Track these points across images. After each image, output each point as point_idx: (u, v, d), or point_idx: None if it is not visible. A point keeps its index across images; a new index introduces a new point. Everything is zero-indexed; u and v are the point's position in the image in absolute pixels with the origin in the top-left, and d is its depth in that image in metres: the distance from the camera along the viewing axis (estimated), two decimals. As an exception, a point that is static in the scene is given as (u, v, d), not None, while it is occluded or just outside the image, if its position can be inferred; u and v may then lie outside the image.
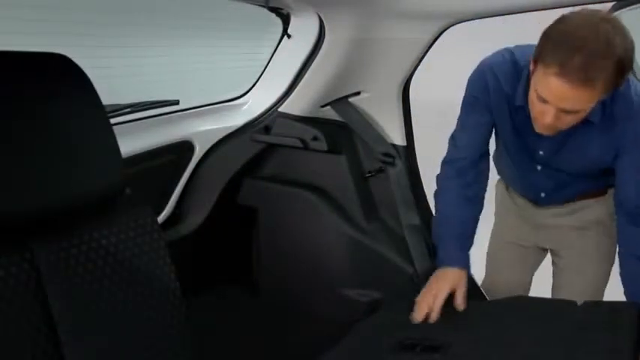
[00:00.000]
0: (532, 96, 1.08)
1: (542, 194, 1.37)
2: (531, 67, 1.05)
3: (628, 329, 0.98)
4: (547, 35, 1.02)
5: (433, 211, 1.43)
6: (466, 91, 1.28)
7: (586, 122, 1.13)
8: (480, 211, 1.32)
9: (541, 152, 1.26)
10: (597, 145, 1.18)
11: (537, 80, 1.04)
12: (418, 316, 1.14)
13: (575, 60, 0.95)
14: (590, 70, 0.96)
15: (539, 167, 1.29)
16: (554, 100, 1.02)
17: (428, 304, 1.15)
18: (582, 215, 1.36)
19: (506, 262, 1.60)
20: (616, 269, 1.44)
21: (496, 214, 1.61)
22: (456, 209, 1.30)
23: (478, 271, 1.60)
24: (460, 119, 1.31)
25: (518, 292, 1.65)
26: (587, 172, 1.27)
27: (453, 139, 1.33)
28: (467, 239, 1.30)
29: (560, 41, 0.99)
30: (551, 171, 1.29)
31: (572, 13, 1.02)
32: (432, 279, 1.21)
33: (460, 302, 1.16)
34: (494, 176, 1.49)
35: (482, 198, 1.32)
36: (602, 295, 1.48)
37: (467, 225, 1.30)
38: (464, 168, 1.30)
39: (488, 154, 1.34)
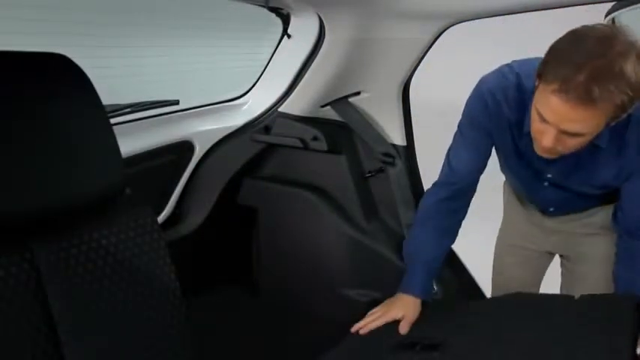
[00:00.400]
0: (533, 113, 1.02)
1: (551, 208, 1.34)
2: (535, 82, 0.99)
3: (626, 323, 0.98)
4: (553, 49, 0.96)
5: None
6: (464, 111, 1.23)
7: (593, 146, 1.08)
8: (453, 242, 1.31)
9: (549, 175, 1.22)
10: (608, 170, 1.13)
11: (538, 97, 0.98)
12: (355, 327, 1.16)
13: (578, 77, 0.89)
14: (593, 89, 0.89)
15: (546, 184, 1.25)
16: (555, 119, 0.96)
17: (371, 319, 1.17)
18: (593, 221, 1.33)
19: (513, 266, 1.57)
20: None
21: (504, 215, 1.60)
22: (433, 241, 1.27)
23: (478, 271, 1.60)
24: (456, 139, 1.26)
25: (529, 284, 1.64)
26: (597, 193, 1.23)
27: (447, 159, 1.28)
28: (436, 270, 1.29)
29: (565, 57, 0.93)
30: (560, 189, 1.24)
31: (583, 27, 0.96)
32: (388, 302, 1.22)
33: (404, 329, 1.15)
34: (501, 177, 1.48)
35: (458, 230, 1.31)
36: None
37: (439, 258, 1.29)
38: (455, 194, 1.27)
39: (478, 179, 1.30)
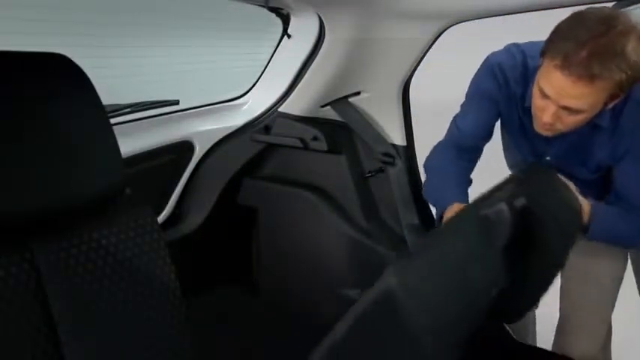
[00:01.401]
0: (535, 90, 1.05)
1: None
2: (540, 62, 1.02)
3: None
4: (557, 28, 0.99)
5: (433, 211, 1.43)
6: (472, 83, 1.26)
7: (594, 126, 1.10)
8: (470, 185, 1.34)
9: (548, 158, 1.24)
10: (603, 150, 1.15)
11: (541, 73, 1.02)
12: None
13: (581, 54, 0.92)
14: (594, 65, 0.92)
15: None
16: (555, 94, 0.99)
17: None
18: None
19: None
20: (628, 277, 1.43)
21: None
22: (454, 165, 1.31)
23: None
24: (464, 106, 1.30)
25: None
26: (596, 178, 1.24)
27: (454, 123, 1.31)
28: (466, 185, 1.31)
29: (568, 34, 0.95)
30: (559, 170, 1.26)
31: (588, 10, 0.98)
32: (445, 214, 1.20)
33: None
34: (500, 174, 1.49)
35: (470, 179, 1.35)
36: (613, 305, 1.46)
37: (465, 176, 1.31)
38: (461, 153, 1.30)
39: (482, 147, 1.34)
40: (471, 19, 1.26)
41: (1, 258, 0.66)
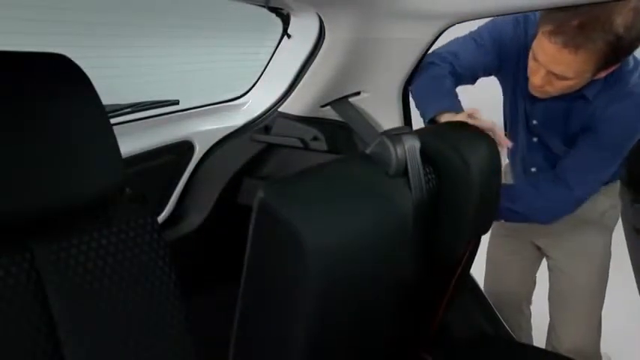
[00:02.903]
0: (530, 53, 1.10)
1: (533, 169, 1.38)
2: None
3: None
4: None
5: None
6: (488, 23, 1.29)
7: (581, 96, 1.14)
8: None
9: (534, 122, 1.28)
10: (580, 120, 1.18)
11: (537, 38, 1.06)
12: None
13: (571, 23, 0.96)
14: (580, 36, 0.96)
15: (535, 139, 1.31)
16: (543, 60, 1.04)
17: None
18: (573, 213, 1.34)
19: (506, 255, 1.61)
20: (613, 273, 1.44)
21: None
22: (449, 80, 1.30)
23: (479, 272, 1.60)
24: (467, 37, 1.32)
25: (520, 291, 1.66)
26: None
27: (451, 46, 1.34)
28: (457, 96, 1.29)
29: (567, 6, 0.98)
30: (544, 148, 1.31)
31: None
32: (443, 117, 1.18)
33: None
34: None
35: None
36: (602, 298, 1.47)
37: (453, 89, 1.30)
38: (451, 72, 1.30)
39: (472, 83, 1.35)
40: (471, 19, 1.26)
41: (1, 258, 0.66)
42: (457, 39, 1.36)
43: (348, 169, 0.88)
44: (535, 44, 1.07)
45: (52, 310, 0.69)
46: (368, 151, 0.89)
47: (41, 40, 3.60)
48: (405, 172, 0.86)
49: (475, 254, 1.25)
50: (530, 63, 1.12)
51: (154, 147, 1.34)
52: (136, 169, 1.29)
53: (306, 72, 1.43)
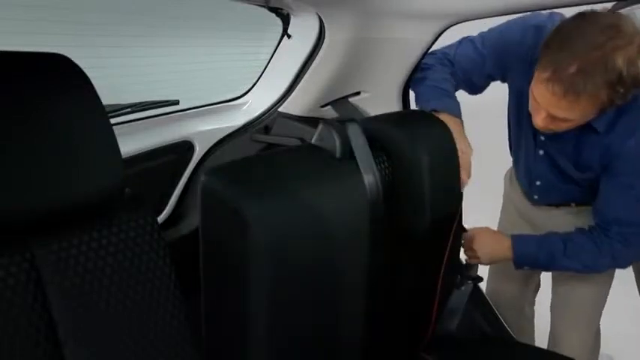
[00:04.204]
0: (530, 91, 1.05)
1: (538, 182, 1.35)
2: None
3: None
4: (558, 30, 0.97)
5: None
6: (496, 29, 1.23)
7: (590, 128, 1.09)
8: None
9: (542, 137, 1.24)
10: (595, 153, 1.14)
11: (535, 79, 1.01)
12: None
13: (569, 69, 0.91)
14: (580, 82, 0.91)
15: (541, 152, 1.27)
16: (543, 104, 1.00)
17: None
18: (576, 221, 1.33)
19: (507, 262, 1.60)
20: (616, 284, 1.43)
21: (501, 210, 1.62)
22: (451, 84, 1.29)
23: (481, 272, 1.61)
24: (471, 40, 1.29)
25: (524, 293, 1.65)
26: (586, 179, 1.23)
27: (451, 49, 1.31)
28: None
29: (566, 43, 0.93)
30: (551, 161, 1.27)
31: (596, 13, 0.95)
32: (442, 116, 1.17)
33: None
34: (503, 170, 1.49)
35: None
36: (602, 307, 1.46)
37: (453, 90, 1.29)
38: (450, 75, 1.28)
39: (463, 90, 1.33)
40: (471, 19, 1.26)
41: (1, 258, 0.66)
42: (464, 40, 1.34)
43: (293, 154, 0.91)
44: (534, 87, 1.02)
45: (52, 310, 0.69)
46: (313, 141, 0.91)
47: (41, 40, 3.60)
48: (352, 157, 0.89)
49: (460, 241, 1.29)
50: (532, 102, 1.06)
51: (154, 147, 1.34)
52: (136, 169, 1.29)
53: (306, 72, 1.43)
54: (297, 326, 0.84)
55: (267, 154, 0.94)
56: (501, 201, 1.62)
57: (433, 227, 1.02)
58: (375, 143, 0.96)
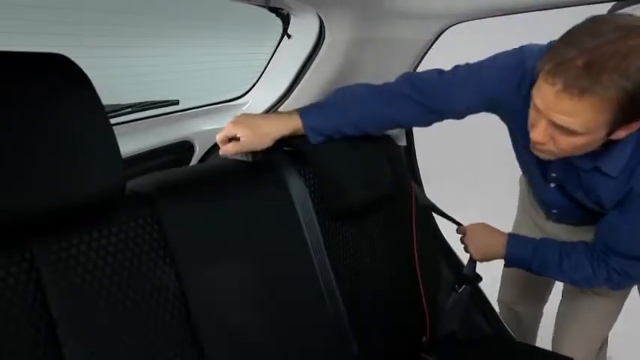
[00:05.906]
0: (531, 102, 0.92)
1: (554, 210, 1.32)
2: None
3: None
4: (566, 33, 0.84)
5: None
6: (489, 58, 1.10)
7: (601, 172, 0.99)
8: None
9: (554, 174, 1.14)
10: (611, 194, 1.03)
11: (536, 83, 0.89)
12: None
13: (576, 62, 0.78)
14: (584, 77, 0.77)
15: (552, 185, 1.19)
16: (543, 107, 0.86)
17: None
18: (590, 237, 1.24)
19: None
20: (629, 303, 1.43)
21: (516, 214, 1.61)
22: (373, 105, 1.15)
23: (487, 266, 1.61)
24: (456, 71, 1.14)
25: (533, 301, 1.64)
26: (597, 209, 1.15)
27: (437, 74, 1.15)
28: (336, 134, 1.17)
29: (575, 40, 0.81)
30: (565, 193, 1.18)
31: (606, 15, 0.85)
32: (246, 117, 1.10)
33: (228, 149, 1.06)
34: (504, 169, 1.47)
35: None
36: (611, 324, 1.45)
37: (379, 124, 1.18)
38: (415, 100, 1.14)
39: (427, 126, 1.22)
40: (471, 19, 1.26)
41: (1, 258, 0.66)
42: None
43: (213, 164, 1.04)
44: (534, 89, 0.88)
45: (52, 310, 0.69)
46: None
47: (41, 40, 3.60)
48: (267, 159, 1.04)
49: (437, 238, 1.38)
50: (531, 114, 0.92)
51: (154, 147, 1.34)
52: (136, 169, 1.29)
53: (306, 72, 1.43)
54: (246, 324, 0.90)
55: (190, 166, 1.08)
56: (501, 201, 1.62)
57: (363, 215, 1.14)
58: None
